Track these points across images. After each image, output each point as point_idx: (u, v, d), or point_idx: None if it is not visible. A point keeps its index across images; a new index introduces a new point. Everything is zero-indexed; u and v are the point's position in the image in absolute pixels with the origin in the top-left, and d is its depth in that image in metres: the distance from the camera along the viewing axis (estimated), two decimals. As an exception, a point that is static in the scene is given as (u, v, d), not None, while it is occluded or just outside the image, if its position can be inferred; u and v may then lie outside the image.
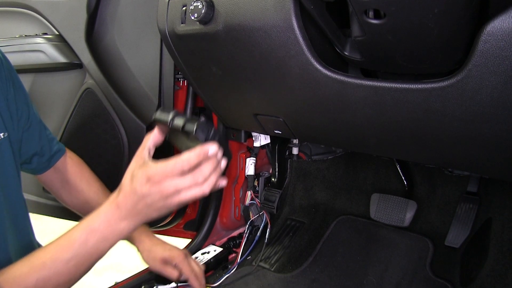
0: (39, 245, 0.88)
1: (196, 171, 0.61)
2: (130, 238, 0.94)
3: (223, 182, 0.65)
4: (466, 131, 0.62)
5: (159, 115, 0.66)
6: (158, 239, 0.97)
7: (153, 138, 0.66)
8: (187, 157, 0.60)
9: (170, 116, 0.64)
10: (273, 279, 1.03)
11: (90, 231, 0.63)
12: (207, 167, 0.61)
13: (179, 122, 0.62)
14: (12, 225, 0.74)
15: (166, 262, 0.93)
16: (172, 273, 0.92)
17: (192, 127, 0.61)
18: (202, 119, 0.62)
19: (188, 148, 0.63)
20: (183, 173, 0.60)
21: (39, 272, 0.61)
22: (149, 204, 0.61)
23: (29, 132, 0.80)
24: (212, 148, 0.61)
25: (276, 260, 1.11)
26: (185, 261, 0.93)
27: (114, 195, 0.65)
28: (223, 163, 0.65)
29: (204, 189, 0.61)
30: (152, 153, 0.66)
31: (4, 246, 0.71)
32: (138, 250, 0.95)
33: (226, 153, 0.65)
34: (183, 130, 0.62)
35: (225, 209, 1.28)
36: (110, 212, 0.64)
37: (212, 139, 0.62)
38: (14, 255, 0.73)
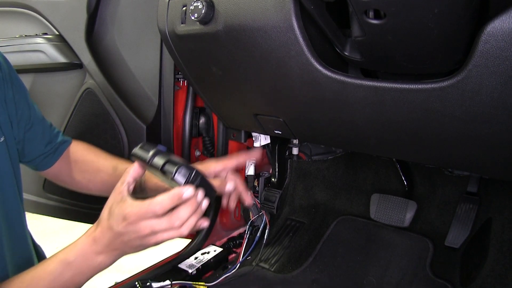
0: (37, 247, 0.88)
1: (173, 214, 0.59)
2: None
3: (204, 224, 0.63)
4: (466, 131, 0.62)
5: (137, 151, 0.64)
6: None
7: (132, 172, 0.64)
8: (160, 200, 0.58)
9: (150, 154, 0.61)
10: (273, 279, 1.02)
11: (66, 264, 0.62)
12: (184, 211, 0.59)
13: (159, 161, 0.60)
14: (7, 230, 0.73)
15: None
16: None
17: (172, 169, 0.58)
18: (183, 162, 0.60)
19: (168, 185, 0.61)
20: (158, 215, 0.58)
21: None
22: (125, 241, 0.60)
23: (31, 132, 0.80)
24: (188, 191, 0.58)
25: (276, 260, 1.10)
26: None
27: (92, 228, 0.64)
28: (205, 204, 0.62)
29: (182, 231, 0.60)
30: (131, 188, 0.64)
31: (0, 251, 0.71)
32: None
33: (209, 193, 0.63)
34: (162, 170, 0.60)
35: (225, 209, 1.28)
36: (86, 245, 0.63)
37: (192, 182, 0.59)
38: (10, 260, 0.73)
